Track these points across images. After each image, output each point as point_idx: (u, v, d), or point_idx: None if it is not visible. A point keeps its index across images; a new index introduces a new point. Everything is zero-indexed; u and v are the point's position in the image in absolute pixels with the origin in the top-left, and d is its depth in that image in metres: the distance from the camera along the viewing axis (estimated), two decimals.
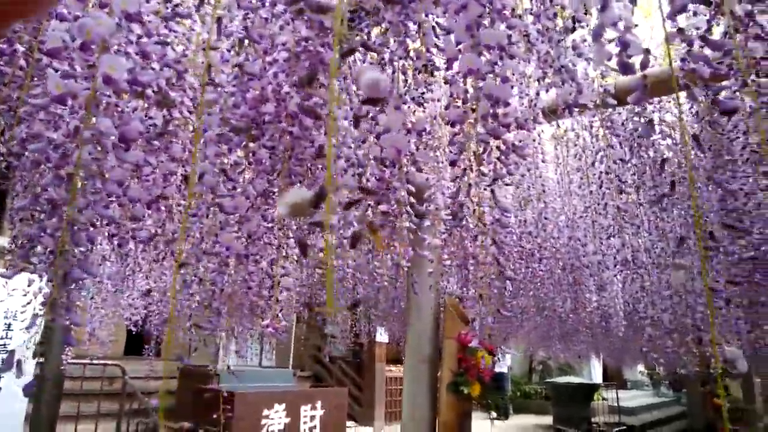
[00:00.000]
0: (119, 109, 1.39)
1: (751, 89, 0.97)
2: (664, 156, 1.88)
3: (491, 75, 1.02)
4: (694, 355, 2.90)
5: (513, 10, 1.37)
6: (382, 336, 8.68)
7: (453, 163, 1.04)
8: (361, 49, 1.16)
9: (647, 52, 0.73)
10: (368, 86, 0.52)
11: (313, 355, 10.21)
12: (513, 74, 1.76)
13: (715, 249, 0.59)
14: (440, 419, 2.79)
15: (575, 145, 2.44)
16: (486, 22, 1.07)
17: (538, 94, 1.56)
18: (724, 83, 0.91)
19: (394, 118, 1.10)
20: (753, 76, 1.42)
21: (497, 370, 11.09)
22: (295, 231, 1.76)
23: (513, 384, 12.33)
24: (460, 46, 1.04)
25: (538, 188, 2.40)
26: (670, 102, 2.28)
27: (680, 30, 0.76)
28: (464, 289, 3.42)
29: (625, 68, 0.70)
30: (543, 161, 2.38)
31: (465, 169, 1.11)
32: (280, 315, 1.74)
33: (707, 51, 0.91)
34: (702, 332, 2.21)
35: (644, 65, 0.73)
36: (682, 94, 1.03)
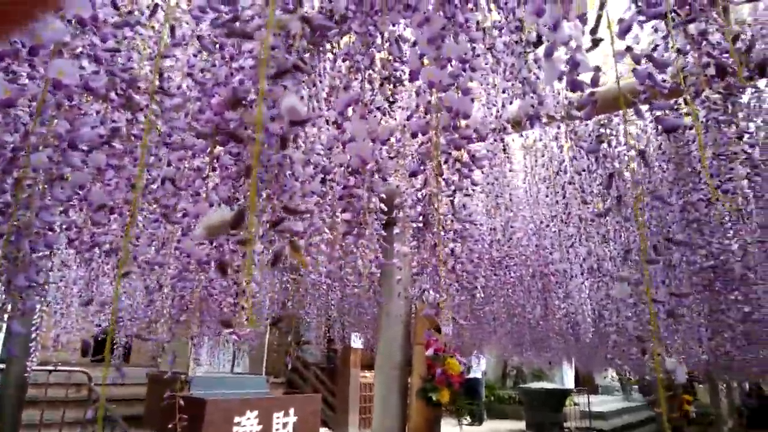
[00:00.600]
0: (82, 112, 1.37)
1: (695, 107, 1.00)
2: (612, 170, 1.94)
3: (453, 87, 1.03)
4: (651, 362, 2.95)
5: (477, 23, 1.39)
6: (357, 342, 8.66)
7: (414, 174, 1.04)
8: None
9: (597, 69, 0.75)
10: (287, 112, 0.53)
11: (287, 361, 10.11)
12: (479, 86, 1.78)
13: (656, 262, 0.61)
14: (410, 425, 2.80)
15: (543, 156, 2.49)
16: (450, 35, 1.09)
17: (504, 105, 1.59)
18: (669, 101, 0.94)
19: (359, 127, 1.10)
20: (706, 93, 1.47)
21: (472, 375, 11.18)
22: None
23: (487, 389, 12.41)
24: (423, 59, 1.05)
25: (506, 198, 2.44)
26: (633, 116, 2.33)
27: (629, 48, 0.78)
28: (429, 295, 3.44)
29: (575, 86, 0.72)
30: (511, 170, 2.42)
31: (426, 179, 1.12)
32: (245, 322, 1.73)
33: (658, 68, 0.94)
34: (654, 342, 2.25)
35: (594, 82, 0.76)
36: (645, 110, 1.06)
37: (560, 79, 0.73)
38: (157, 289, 1.45)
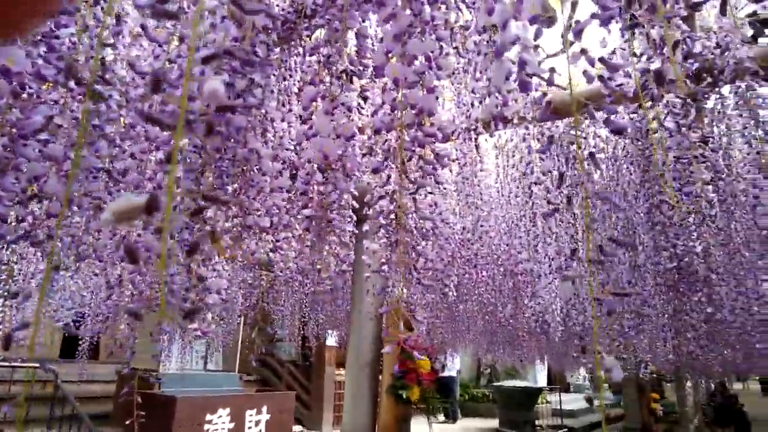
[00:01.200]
0: (41, 100, 1.33)
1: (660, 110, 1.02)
2: (561, 172, 1.97)
3: (418, 85, 1.03)
4: (624, 361, 3.02)
5: (447, 22, 1.40)
6: (332, 340, 8.63)
7: (376, 171, 1.04)
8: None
9: (552, 70, 0.76)
10: (209, 96, 0.52)
11: (261, 358, 10.02)
12: (451, 85, 1.79)
13: (599, 263, 0.62)
14: (379, 423, 2.80)
15: (513, 156, 2.51)
16: (417, 32, 1.08)
17: (473, 105, 1.59)
18: (614, 105, 0.95)
19: (324, 122, 1.09)
20: (668, 98, 1.50)
21: (447, 374, 11.26)
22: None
23: (461, 387, 12.51)
24: (388, 54, 1.04)
25: (477, 197, 2.46)
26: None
27: (583, 51, 0.79)
28: (393, 292, 3.45)
29: (524, 86, 0.73)
30: (482, 170, 2.44)
31: (389, 176, 1.11)
32: (208, 318, 1.70)
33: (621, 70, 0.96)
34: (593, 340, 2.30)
35: (549, 83, 0.76)
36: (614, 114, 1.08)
37: (508, 77, 0.73)
38: (117, 283, 1.41)
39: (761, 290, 2.68)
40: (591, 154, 0.87)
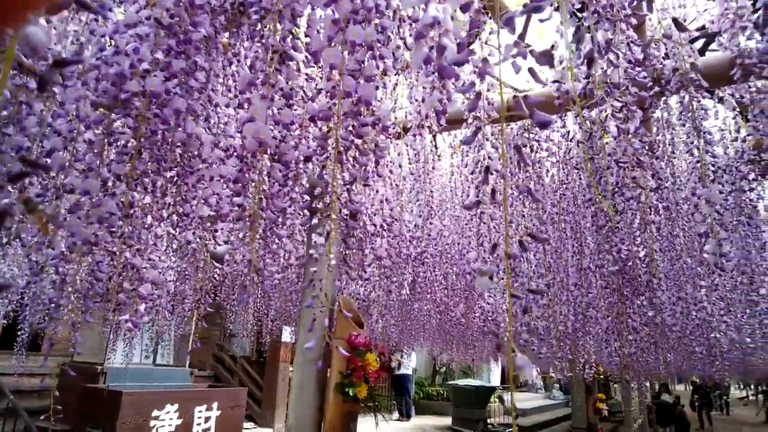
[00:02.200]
0: None
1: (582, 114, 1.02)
2: (487, 166, 1.98)
3: (357, 73, 1.00)
4: (569, 361, 3.07)
5: (395, 12, 1.37)
6: (287, 336, 8.52)
7: (308, 159, 1.00)
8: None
9: (485, 61, 0.74)
10: (24, 41, 0.47)
11: (214, 353, 9.82)
12: (406, 79, 1.76)
13: (515, 257, 0.61)
14: (326, 420, 2.76)
15: (467, 155, 2.52)
16: (359, 19, 1.05)
17: (423, 100, 1.57)
18: (547, 113, 0.95)
19: (260, 106, 1.05)
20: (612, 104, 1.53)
21: (403, 372, 11.31)
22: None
23: (417, 386, 12.59)
24: (327, 41, 1.01)
25: (428, 195, 2.45)
26: (557, 121, 2.41)
27: (516, 42, 0.78)
28: (340, 287, 3.44)
29: (444, 72, 0.71)
30: (433, 168, 2.44)
31: (323, 167, 1.08)
32: (141, 309, 1.63)
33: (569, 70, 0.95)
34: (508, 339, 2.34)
35: (481, 75, 0.75)
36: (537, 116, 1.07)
37: (427, 63, 0.71)
38: (38, 271, 1.33)
39: (699, 296, 2.78)
40: (516, 147, 0.86)
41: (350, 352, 2.86)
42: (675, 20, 2.23)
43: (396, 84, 1.96)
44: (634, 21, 1.52)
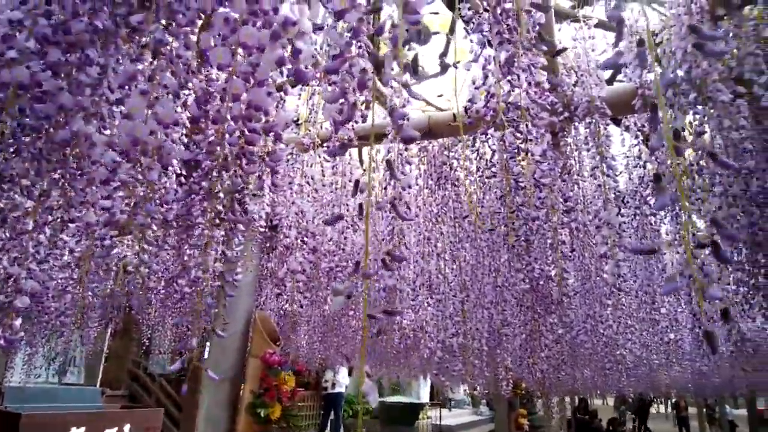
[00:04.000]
0: None
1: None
2: (357, 180, 2.02)
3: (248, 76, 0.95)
4: (490, 378, 3.10)
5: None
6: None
7: (186, 162, 0.94)
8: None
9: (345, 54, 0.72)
10: None
11: (130, 371, 9.21)
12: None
13: (370, 276, 0.59)
14: None
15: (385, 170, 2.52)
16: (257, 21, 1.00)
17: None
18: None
19: (138, 103, 0.97)
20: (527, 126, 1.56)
21: (336, 390, 11.09)
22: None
23: (346, 403, 12.40)
24: (219, 40, 0.96)
25: (344, 208, 2.42)
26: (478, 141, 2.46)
27: (407, 67, 0.75)
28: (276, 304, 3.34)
29: (299, 76, 0.68)
30: (350, 180, 2.41)
31: (221, 172, 1.01)
32: (16, 324, 1.47)
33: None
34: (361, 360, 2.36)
35: (330, 71, 0.73)
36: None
37: (280, 65, 0.68)
38: None
39: (605, 314, 2.91)
40: (387, 162, 0.84)
41: (265, 371, 2.75)
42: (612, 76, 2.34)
43: (313, 94, 1.92)
44: (545, 48, 1.57)
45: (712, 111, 1.93)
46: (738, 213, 1.92)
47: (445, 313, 2.51)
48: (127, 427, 6.09)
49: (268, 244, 2.96)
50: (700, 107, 1.89)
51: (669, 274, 0.71)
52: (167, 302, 4.47)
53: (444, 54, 2.25)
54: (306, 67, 0.68)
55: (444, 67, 2.03)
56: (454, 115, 2.22)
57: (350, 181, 2.32)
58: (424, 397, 13.65)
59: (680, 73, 1.89)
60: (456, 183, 2.36)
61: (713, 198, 1.89)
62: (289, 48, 0.72)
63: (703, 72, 1.82)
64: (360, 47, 0.95)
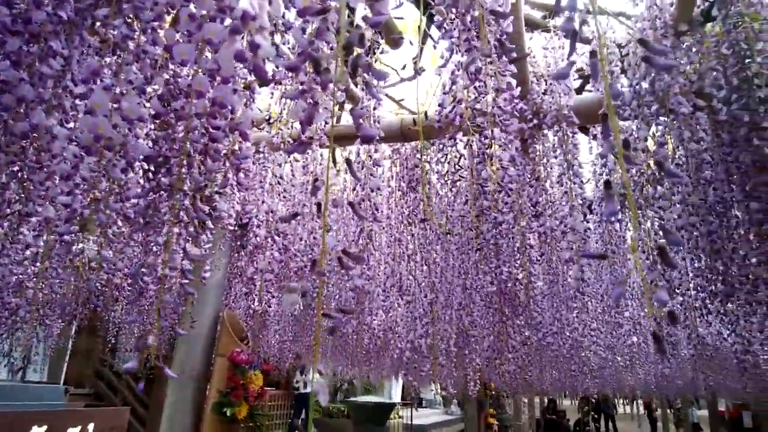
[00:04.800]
0: None
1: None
2: (316, 178, 2.04)
3: (213, 73, 0.94)
4: (454, 378, 3.13)
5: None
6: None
7: (147, 160, 0.93)
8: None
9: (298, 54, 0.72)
10: None
11: (95, 369, 8.99)
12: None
13: (323, 275, 0.60)
14: None
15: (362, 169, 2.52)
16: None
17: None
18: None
19: (101, 99, 0.96)
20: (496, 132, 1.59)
21: (308, 390, 11.03)
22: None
23: (316, 403, 12.34)
24: (184, 36, 0.95)
25: (313, 209, 2.43)
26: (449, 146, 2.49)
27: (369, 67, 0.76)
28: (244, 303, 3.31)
29: (257, 72, 0.68)
30: (317, 181, 2.40)
31: (183, 168, 1.00)
32: None
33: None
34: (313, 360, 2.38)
35: (290, 68, 0.74)
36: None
37: (240, 60, 0.68)
38: None
39: (571, 317, 2.97)
40: (347, 161, 0.85)
41: (232, 370, 2.73)
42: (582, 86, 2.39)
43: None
44: (514, 54, 1.60)
45: (674, 122, 2.00)
46: (697, 222, 1.99)
47: (414, 314, 2.53)
48: (91, 426, 5.94)
49: (237, 243, 2.93)
50: (662, 118, 1.95)
51: (618, 279, 0.73)
52: (133, 299, 4.38)
53: (416, 58, 2.27)
54: (265, 63, 0.68)
55: (416, 72, 2.05)
56: (414, 120, 2.25)
57: (316, 179, 2.30)
58: (396, 397, 13.70)
59: (644, 85, 1.95)
60: (426, 185, 2.38)
61: (673, 207, 1.95)
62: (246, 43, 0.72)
63: (665, 85, 1.88)
64: (332, 48, 0.96)
